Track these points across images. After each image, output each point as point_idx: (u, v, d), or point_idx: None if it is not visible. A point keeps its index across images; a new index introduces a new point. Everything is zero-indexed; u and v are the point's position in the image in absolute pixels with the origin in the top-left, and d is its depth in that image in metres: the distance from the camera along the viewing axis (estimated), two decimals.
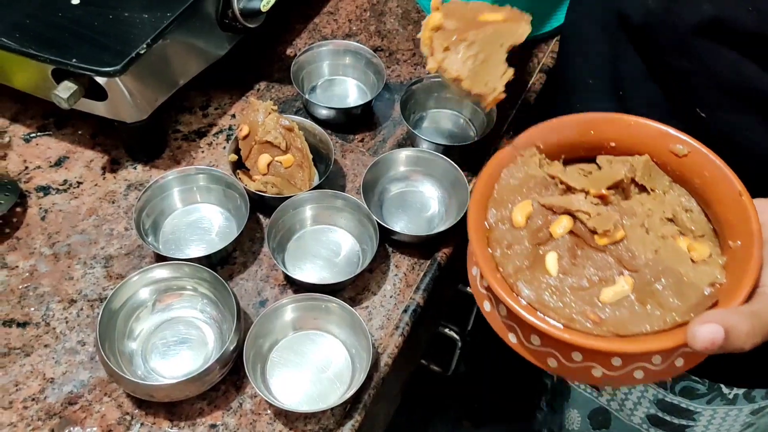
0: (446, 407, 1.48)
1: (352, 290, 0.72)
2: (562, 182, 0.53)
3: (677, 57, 0.59)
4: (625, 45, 0.63)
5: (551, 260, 0.49)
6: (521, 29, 0.62)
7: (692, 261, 0.48)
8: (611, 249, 0.49)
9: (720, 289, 0.47)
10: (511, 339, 0.50)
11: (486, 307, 0.52)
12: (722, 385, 0.73)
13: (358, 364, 0.65)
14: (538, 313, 0.47)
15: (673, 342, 0.44)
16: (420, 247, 0.75)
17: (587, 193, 0.52)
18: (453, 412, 1.48)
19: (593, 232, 0.50)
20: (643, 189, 0.53)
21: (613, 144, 0.54)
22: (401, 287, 0.72)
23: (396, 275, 0.73)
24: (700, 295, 0.46)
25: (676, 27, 0.57)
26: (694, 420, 0.78)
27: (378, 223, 0.71)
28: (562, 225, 0.50)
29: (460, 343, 1.02)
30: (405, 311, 0.70)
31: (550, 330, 0.46)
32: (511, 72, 0.60)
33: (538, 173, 0.53)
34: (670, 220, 0.51)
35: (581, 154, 0.56)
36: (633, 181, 0.53)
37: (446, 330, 1.01)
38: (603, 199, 0.52)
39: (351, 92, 0.89)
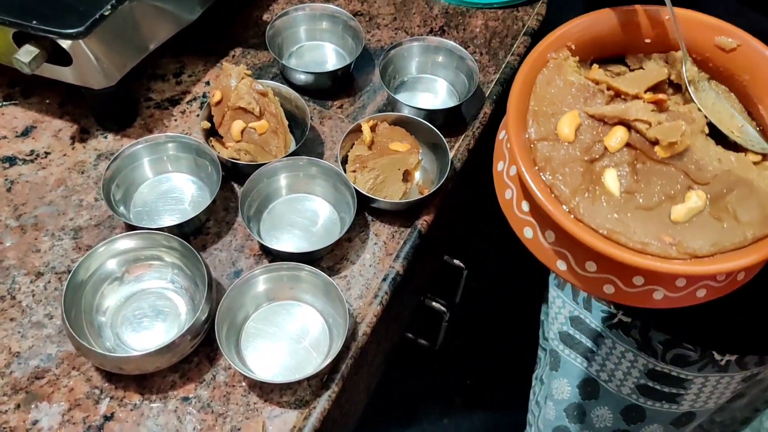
0: (437, 383, 1.46)
1: (330, 259, 0.69)
2: (609, 87, 0.47)
3: None
4: None
5: (611, 178, 0.44)
6: (412, 158, 0.71)
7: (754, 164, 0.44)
8: (675, 161, 0.44)
9: None
10: (560, 266, 0.45)
11: (527, 233, 0.47)
12: (714, 352, 0.71)
13: (336, 333, 0.63)
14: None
15: (759, 258, 0.41)
16: (400, 214, 0.72)
17: (641, 98, 0.46)
18: (444, 389, 1.46)
19: (653, 143, 0.44)
20: (677, 89, 0.48)
21: (647, 40, 0.49)
22: (381, 256, 0.70)
23: (375, 244, 0.71)
24: None
25: None
26: (685, 388, 0.76)
27: (356, 190, 0.68)
28: (617, 137, 0.45)
29: (447, 316, 1.01)
30: (384, 280, 0.68)
31: (632, 259, 0.40)
32: (406, 186, 0.72)
33: (578, 79, 0.47)
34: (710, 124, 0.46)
35: (607, 54, 0.51)
36: (669, 80, 0.48)
37: (433, 303, 0.99)
38: (658, 105, 0.46)
39: (329, 57, 0.86)
